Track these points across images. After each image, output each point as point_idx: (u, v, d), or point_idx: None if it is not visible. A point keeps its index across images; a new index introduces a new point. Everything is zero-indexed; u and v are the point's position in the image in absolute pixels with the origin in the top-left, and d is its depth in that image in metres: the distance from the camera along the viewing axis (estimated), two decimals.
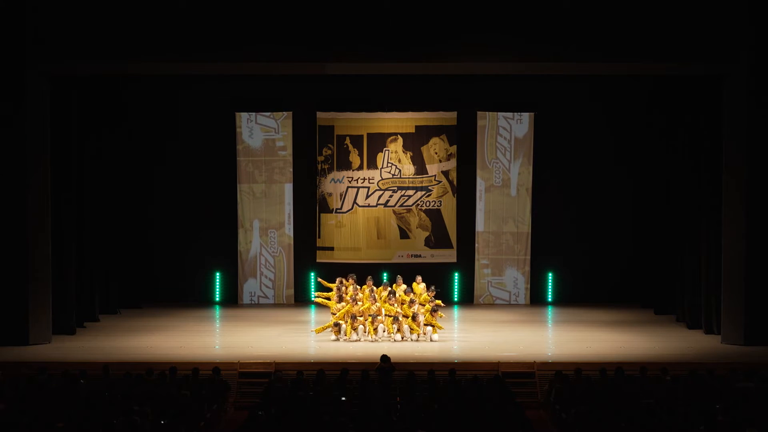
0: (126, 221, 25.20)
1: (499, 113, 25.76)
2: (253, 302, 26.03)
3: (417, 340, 20.36)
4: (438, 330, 20.68)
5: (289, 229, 26.09)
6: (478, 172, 25.98)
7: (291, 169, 25.95)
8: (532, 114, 25.81)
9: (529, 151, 25.89)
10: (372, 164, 25.86)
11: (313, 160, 25.95)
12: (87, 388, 15.79)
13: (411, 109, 25.82)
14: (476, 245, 25.94)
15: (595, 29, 20.32)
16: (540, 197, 26.00)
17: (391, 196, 25.91)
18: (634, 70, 21.64)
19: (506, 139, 25.94)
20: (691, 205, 22.79)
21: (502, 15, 20.35)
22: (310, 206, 26.06)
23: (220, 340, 21.73)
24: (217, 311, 25.07)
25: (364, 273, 22.67)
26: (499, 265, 26.10)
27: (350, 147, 25.87)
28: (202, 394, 15.74)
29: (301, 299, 26.13)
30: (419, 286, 21.39)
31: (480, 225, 25.98)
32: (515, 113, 25.79)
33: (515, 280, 26.10)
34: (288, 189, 25.99)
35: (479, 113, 25.86)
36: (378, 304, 20.70)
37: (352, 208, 25.95)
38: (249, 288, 26.12)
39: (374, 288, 21.05)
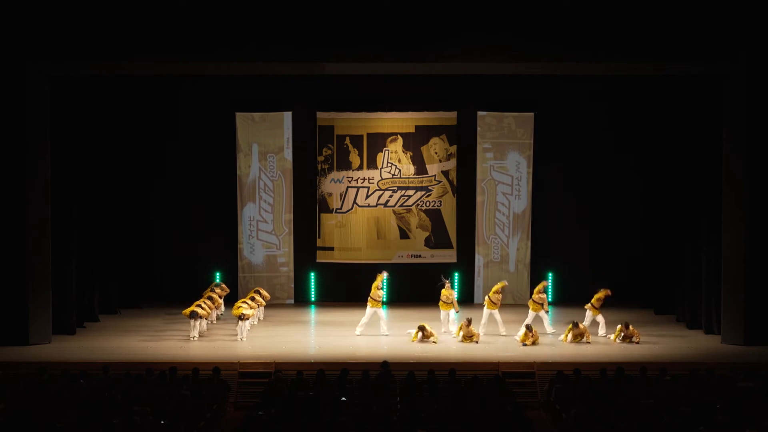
0: (126, 221, 25.18)
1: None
2: (251, 229, 25.85)
3: None
4: None
5: (288, 153, 25.87)
6: (477, 248, 25.90)
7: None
8: (530, 189, 25.66)
9: (528, 227, 25.76)
10: (372, 164, 25.82)
11: (313, 160, 25.93)
12: (87, 388, 15.80)
13: (411, 109, 25.77)
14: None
15: (595, 29, 20.33)
16: (540, 198, 25.97)
17: (391, 196, 25.88)
18: (634, 70, 21.64)
19: (504, 214, 25.83)
20: (691, 205, 22.78)
21: (502, 15, 20.36)
22: (310, 206, 26.04)
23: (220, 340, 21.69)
24: None
25: (365, 273, 22.59)
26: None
27: (350, 147, 25.84)
28: (202, 394, 15.74)
29: (301, 298, 26.15)
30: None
31: (479, 300, 25.35)
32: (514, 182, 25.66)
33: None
34: (287, 116, 25.76)
35: (479, 113, 25.82)
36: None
37: (352, 208, 25.91)
38: (248, 213, 25.94)
39: None
